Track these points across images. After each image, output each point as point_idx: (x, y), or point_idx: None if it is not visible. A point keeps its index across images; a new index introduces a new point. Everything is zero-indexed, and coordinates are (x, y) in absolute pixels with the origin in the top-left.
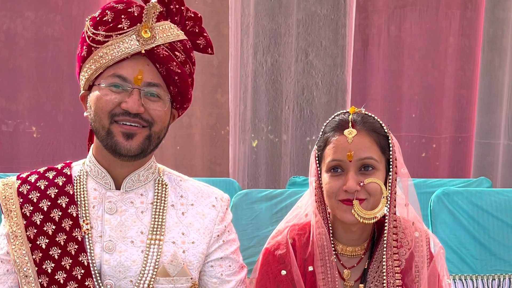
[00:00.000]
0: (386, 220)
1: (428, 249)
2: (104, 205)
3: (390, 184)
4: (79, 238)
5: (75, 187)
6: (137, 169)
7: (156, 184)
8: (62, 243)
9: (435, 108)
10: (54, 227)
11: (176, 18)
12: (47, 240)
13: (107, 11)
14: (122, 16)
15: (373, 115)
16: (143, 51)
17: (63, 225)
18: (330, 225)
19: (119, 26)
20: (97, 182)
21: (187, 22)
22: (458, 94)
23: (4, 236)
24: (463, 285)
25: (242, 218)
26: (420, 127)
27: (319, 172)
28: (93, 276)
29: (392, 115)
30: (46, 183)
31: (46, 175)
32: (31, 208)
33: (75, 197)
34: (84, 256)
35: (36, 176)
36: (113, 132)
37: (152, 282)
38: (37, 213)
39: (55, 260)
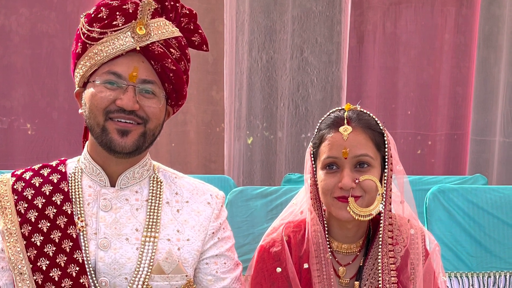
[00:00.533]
0: (381, 217)
1: (424, 247)
2: (99, 202)
3: (385, 181)
4: (74, 236)
5: (70, 184)
6: (132, 166)
7: (151, 181)
8: (57, 241)
9: (430, 105)
10: (49, 224)
11: (171, 15)
12: (41, 238)
13: (102, 8)
14: (117, 13)
15: (368, 112)
16: (138, 48)
17: (58, 222)
18: (325, 222)
19: (114, 23)
20: (92, 179)
21: (182, 19)
22: (454, 91)
23: None
24: (459, 283)
25: (237, 215)
26: (416, 124)
27: (315, 169)
28: (88, 273)
29: (387, 112)
30: (41, 180)
31: (41, 172)
32: (26, 205)
33: (70, 194)
34: (79, 254)
35: (31, 173)
36: (108, 129)
37: (147, 279)
38: (32, 210)
39: (50, 257)
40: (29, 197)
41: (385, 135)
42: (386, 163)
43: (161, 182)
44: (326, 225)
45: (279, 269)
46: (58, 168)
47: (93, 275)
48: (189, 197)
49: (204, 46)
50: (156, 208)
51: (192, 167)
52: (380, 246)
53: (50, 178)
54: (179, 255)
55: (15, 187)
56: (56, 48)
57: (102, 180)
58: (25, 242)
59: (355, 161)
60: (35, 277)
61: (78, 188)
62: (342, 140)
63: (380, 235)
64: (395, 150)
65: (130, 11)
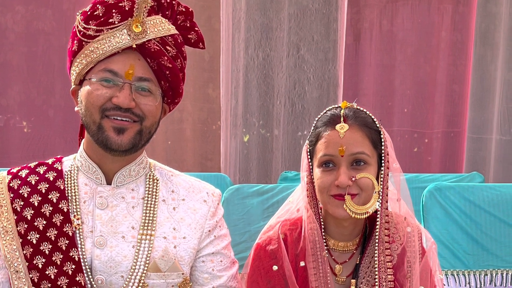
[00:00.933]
0: (378, 215)
1: (420, 244)
2: (95, 200)
3: (382, 179)
4: (70, 233)
5: (66, 182)
6: (128, 164)
7: (147, 179)
8: (53, 238)
9: (427, 103)
10: (45, 222)
11: (167, 12)
12: (38, 235)
13: (98, 5)
14: (113, 11)
15: (365, 110)
16: (134, 46)
17: (54, 220)
18: (321, 220)
19: (110, 20)
20: (88, 177)
21: (178, 16)
22: (450, 89)
23: None
24: (455, 281)
25: (233, 213)
26: (412, 122)
27: (311, 167)
28: (84, 271)
29: (384, 110)
30: (37, 178)
31: (37, 170)
32: (22, 203)
33: (66, 192)
34: (75, 252)
35: (27, 171)
36: (104, 127)
37: (143, 277)
38: (28, 208)
39: (46, 255)
40: (25, 195)
41: (381, 133)
42: (382, 161)
43: (157, 180)
44: (322, 223)
45: (275, 267)
46: (54, 166)
47: (89, 273)
48: (185, 195)
49: (201, 44)
50: (152, 206)
51: (188, 165)
52: (376, 244)
53: (46, 176)
54: (175, 253)
55: (11, 185)
56: (52, 46)
57: (98, 178)
58: (21, 240)
59: (352, 159)
60: (31, 275)
61: (74, 186)
62: (339, 138)
63: (377, 233)
64: (391, 148)
65: (126, 8)
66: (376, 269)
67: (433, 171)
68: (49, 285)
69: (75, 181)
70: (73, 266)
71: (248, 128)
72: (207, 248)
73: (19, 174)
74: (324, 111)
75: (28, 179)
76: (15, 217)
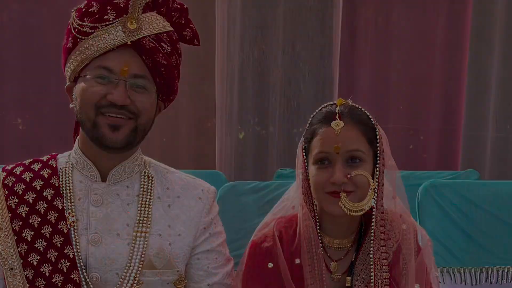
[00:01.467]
0: (373, 213)
1: (416, 242)
2: (90, 198)
3: (377, 176)
4: (65, 231)
5: (60, 179)
6: (123, 161)
7: (142, 176)
8: (47, 236)
9: (422, 100)
10: (39, 219)
11: (162, 9)
12: (32, 233)
13: (93, 2)
14: (108, 7)
15: (360, 107)
16: (129, 43)
17: (48, 217)
18: (317, 217)
19: (105, 17)
20: (83, 174)
21: (173, 13)
22: (446, 86)
23: None
24: (451, 278)
25: (228, 210)
26: (408, 119)
27: (306, 164)
28: (79, 268)
29: (379, 107)
30: (32, 175)
31: (32, 167)
32: (16, 200)
33: (61, 189)
34: (69, 249)
35: (22, 168)
36: (99, 124)
37: (138, 275)
38: (22, 206)
39: (40, 252)
40: (20, 192)
41: (377, 130)
42: (378, 158)
43: (152, 177)
44: (318, 220)
45: (270, 265)
46: (49, 163)
47: (84, 271)
48: (180, 192)
49: (196, 41)
50: (147, 203)
51: (183, 162)
52: (372, 242)
53: (41, 173)
54: (170, 250)
55: (5, 182)
56: (47, 43)
57: (93, 175)
58: (15, 237)
59: (347, 156)
60: (25, 273)
61: (69, 183)
62: (334, 135)
63: (372, 231)
64: (387, 145)
65: (121, 5)
66: (372, 266)
67: (428, 168)
68: (44, 282)
69: (70, 178)
70: (68, 264)
71: (243, 125)
72: (202, 246)
73: (13, 171)
74: (320, 108)
75: (23, 176)
76: (10, 214)
